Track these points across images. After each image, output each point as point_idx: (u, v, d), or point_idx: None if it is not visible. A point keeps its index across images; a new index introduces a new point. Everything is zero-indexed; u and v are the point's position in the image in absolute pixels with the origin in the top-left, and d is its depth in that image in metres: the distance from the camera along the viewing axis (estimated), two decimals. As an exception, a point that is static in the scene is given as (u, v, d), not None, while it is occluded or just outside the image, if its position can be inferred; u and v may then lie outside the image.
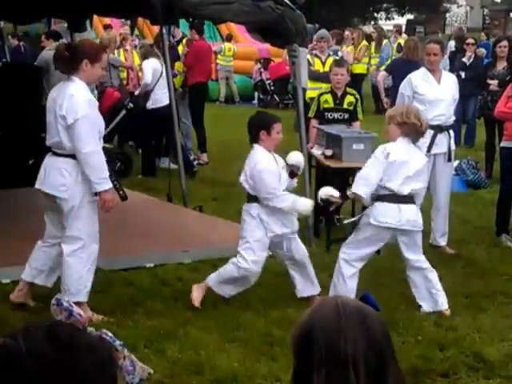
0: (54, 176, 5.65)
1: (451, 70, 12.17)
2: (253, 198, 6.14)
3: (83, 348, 1.49)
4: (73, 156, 5.62)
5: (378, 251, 6.60)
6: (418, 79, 7.74)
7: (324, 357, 1.73)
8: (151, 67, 11.20)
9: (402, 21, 32.40)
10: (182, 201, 9.17)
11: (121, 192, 5.87)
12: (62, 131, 5.59)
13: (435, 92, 7.63)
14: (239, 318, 5.87)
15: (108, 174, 5.66)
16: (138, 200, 6.58)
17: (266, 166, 6.01)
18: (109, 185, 5.65)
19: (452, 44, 18.34)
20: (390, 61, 18.49)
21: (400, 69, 10.15)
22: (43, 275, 5.93)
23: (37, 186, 5.79)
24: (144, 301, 6.21)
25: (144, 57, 11.71)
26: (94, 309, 5.90)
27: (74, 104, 5.54)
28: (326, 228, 7.93)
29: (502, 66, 11.35)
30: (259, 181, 6.01)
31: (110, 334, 1.59)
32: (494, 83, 11.19)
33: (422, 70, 7.85)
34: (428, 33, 23.43)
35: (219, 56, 19.95)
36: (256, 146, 6.13)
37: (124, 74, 12.40)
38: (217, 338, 5.56)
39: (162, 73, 10.23)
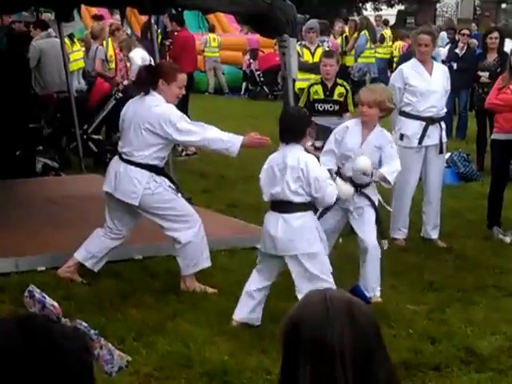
0: (127, 184, 6.08)
1: (443, 62, 12.14)
2: (303, 206, 5.47)
3: (57, 339, 1.47)
4: (145, 166, 6.05)
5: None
6: (409, 70, 7.67)
7: (310, 349, 1.73)
8: (140, 56, 11.11)
9: (391, 11, 32.42)
10: (171, 192, 9.09)
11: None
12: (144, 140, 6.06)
13: (426, 84, 7.57)
14: (229, 311, 5.81)
15: None
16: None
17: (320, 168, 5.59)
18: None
19: (444, 35, 18.34)
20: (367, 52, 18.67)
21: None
22: (94, 260, 6.28)
23: (106, 188, 6.18)
24: (133, 293, 6.16)
25: (128, 48, 11.62)
26: (82, 301, 5.85)
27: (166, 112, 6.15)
28: (317, 220, 7.87)
29: (492, 57, 11.33)
30: (322, 183, 5.46)
31: (84, 324, 1.56)
32: (484, 75, 11.16)
33: (413, 61, 7.77)
34: (419, 24, 23.40)
35: (206, 48, 19.89)
36: (298, 146, 5.52)
37: (112, 65, 12.30)
38: (207, 331, 5.51)
39: (150, 62, 10.17)
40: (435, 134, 7.58)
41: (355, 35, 18.88)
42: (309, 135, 8.18)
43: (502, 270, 7.03)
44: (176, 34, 12.26)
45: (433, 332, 5.62)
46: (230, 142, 6.05)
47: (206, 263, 6.30)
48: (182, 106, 12.23)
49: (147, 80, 6.16)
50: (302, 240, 5.41)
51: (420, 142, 7.52)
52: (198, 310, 5.85)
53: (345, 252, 7.37)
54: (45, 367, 1.43)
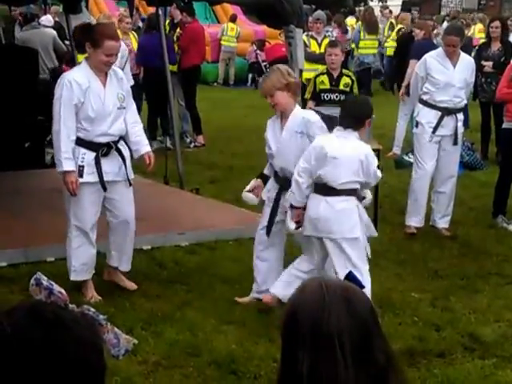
0: None
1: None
2: (348, 191, 5.42)
3: (68, 325, 1.49)
4: None
5: None
6: (434, 62, 7.66)
7: (309, 333, 1.76)
8: None
9: (396, 2, 32.24)
10: (178, 183, 9.17)
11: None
12: None
13: (448, 77, 7.56)
14: (236, 301, 5.89)
15: (66, 155, 5.68)
16: (134, 183, 6.59)
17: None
18: (64, 167, 5.69)
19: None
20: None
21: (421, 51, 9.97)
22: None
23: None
24: (141, 283, 6.23)
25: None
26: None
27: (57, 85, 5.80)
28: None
29: (496, 47, 11.31)
30: (378, 173, 5.53)
31: (92, 310, 1.59)
32: (488, 64, 11.15)
33: (440, 51, 7.77)
34: (423, 14, 23.31)
35: (223, 37, 19.89)
36: (355, 134, 5.42)
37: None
38: (214, 320, 5.58)
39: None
40: (450, 125, 7.59)
41: (355, 26, 18.93)
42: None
43: (505, 257, 7.08)
44: (186, 25, 12.25)
45: (437, 319, 5.68)
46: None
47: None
48: (190, 97, 12.30)
49: (79, 41, 6.01)
50: (344, 223, 5.35)
51: (434, 131, 7.55)
52: (206, 300, 5.92)
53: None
54: (57, 354, 1.46)
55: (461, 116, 7.76)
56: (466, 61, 7.85)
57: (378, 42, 18.77)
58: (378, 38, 18.85)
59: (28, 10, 12.96)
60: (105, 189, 5.78)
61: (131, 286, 6.10)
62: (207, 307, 5.79)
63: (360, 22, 19.03)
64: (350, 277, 1.90)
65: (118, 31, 12.43)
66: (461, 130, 7.74)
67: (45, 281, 1.56)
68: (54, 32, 11.77)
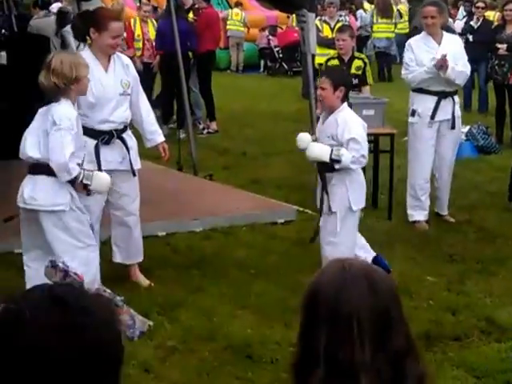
0: None
1: (460, 34, 12.01)
2: None
3: (87, 307, 1.48)
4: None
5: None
6: (417, 43, 7.45)
7: (327, 313, 1.76)
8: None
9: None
10: (192, 169, 9.18)
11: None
12: None
13: (433, 56, 7.26)
14: (252, 285, 5.90)
15: None
16: (148, 169, 6.63)
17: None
18: None
19: (462, 9, 18.15)
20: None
21: None
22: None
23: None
24: (156, 269, 6.25)
25: None
26: (107, 277, 5.94)
27: None
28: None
29: (510, 29, 11.24)
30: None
31: (108, 291, 1.58)
32: (502, 47, 11.07)
33: (422, 34, 7.52)
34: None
35: (228, 22, 19.79)
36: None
37: (140, 44, 12.34)
38: (229, 305, 5.59)
39: None
40: (448, 109, 7.37)
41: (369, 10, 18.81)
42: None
43: (521, 241, 7.05)
44: (202, 10, 12.20)
45: (453, 303, 5.67)
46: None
47: None
48: (204, 82, 12.26)
49: (80, 28, 5.83)
50: None
51: (432, 117, 7.33)
52: (221, 285, 5.93)
53: (366, 226, 7.43)
54: (76, 336, 1.45)
55: (457, 98, 7.53)
56: (451, 39, 7.59)
57: (393, 26, 18.48)
58: (394, 22, 18.57)
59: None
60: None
61: (145, 282, 5.99)
62: (222, 292, 5.80)
63: (373, 6, 18.86)
64: (377, 260, 1.90)
65: (137, 18, 12.52)
66: (458, 113, 7.49)
67: (60, 263, 1.55)
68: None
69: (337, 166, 5.63)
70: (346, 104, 5.77)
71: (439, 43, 7.39)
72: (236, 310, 5.51)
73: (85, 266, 4.95)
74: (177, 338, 5.07)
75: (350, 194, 5.71)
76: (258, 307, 5.57)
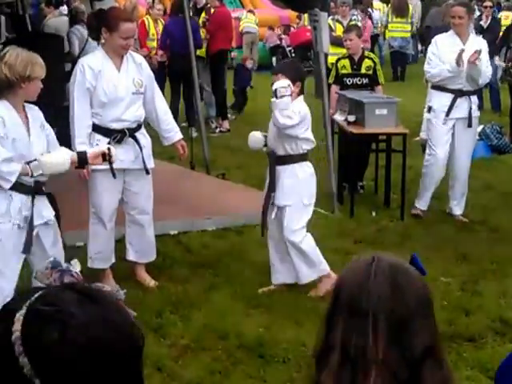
0: None
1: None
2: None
3: (113, 301, 1.49)
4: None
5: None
6: (443, 41, 7.53)
7: (346, 306, 1.77)
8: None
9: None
10: (204, 168, 9.18)
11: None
12: None
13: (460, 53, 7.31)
14: (264, 284, 5.89)
15: (79, 140, 5.64)
16: (161, 168, 6.63)
17: None
18: None
19: (476, 9, 18.07)
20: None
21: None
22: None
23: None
24: (169, 267, 6.26)
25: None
26: (120, 276, 5.95)
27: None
28: (350, 194, 7.91)
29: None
30: None
31: (107, 286, 1.57)
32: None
33: (450, 32, 7.59)
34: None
35: (243, 20, 19.76)
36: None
37: (154, 43, 12.35)
38: (242, 304, 5.59)
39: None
40: (464, 107, 7.43)
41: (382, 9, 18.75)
42: (341, 110, 8.23)
43: (536, 241, 7.01)
44: (214, 9, 12.20)
45: (467, 304, 5.64)
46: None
47: None
48: (217, 82, 12.25)
49: (94, 27, 5.85)
50: None
51: (447, 114, 7.41)
52: (233, 284, 5.93)
53: (379, 225, 7.42)
54: (115, 331, 1.45)
55: (475, 98, 7.56)
56: (476, 39, 7.70)
57: (409, 25, 18.34)
58: (411, 22, 18.43)
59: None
60: (114, 176, 5.57)
61: (150, 282, 5.96)
62: (235, 291, 5.79)
63: (389, 5, 18.75)
64: (413, 260, 1.86)
65: (149, 18, 12.53)
66: (475, 113, 7.52)
67: (63, 265, 1.54)
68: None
69: (272, 100, 5.59)
70: (301, 97, 5.74)
71: (464, 43, 7.44)
72: (248, 309, 5.51)
73: None
74: (190, 337, 5.07)
75: (301, 189, 5.71)
76: (270, 306, 5.57)
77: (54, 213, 4.96)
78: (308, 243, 5.78)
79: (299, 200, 5.71)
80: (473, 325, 5.30)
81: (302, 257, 5.74)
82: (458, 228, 7.38)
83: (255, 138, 5.97)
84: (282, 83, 5.55)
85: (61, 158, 4.86)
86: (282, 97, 5.52)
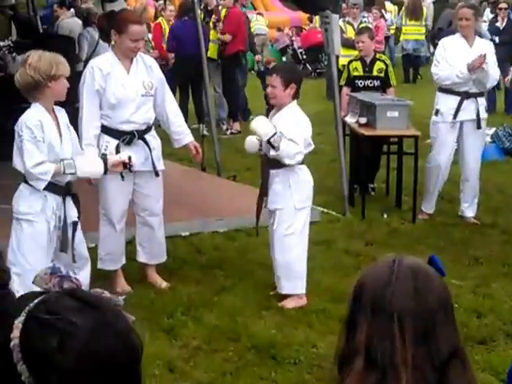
0: None
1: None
2: None
3: (113, 307, 1.50)
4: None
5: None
6: (450, 44, 7.51)
7: (371, 306, 1.76)
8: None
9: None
10: (215, 170, 9.19)
11: None
12: None
13: (465, 59, 7.32)
14: (275, 286, 5.89)
15: (87, 142, 5.59)
16: (172, 170, 6.65)
17: None
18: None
19: (488, 10, 18.00)
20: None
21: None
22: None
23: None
24: (180, 269, 6.27)
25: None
26: (131, 277, 5.97)
27: None
28: (361, 196, 7.90)
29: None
30: None
31: (106, 292, 1.58)
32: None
33: (457, 35, 7.58)
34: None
35: (253, 22, 19.78)
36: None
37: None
38: (253, 306, 5.59)
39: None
40: (471, 109, 7.40)
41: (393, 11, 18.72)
42: (352, 112, 8.23)
43: (547, 244, 6.99)
44: (228, 10, 12.13)
45: (478, 306, 5.63)
46: None
47: None
48: (230, 83, 12.24)
49: (104, 29, 5.87)
50: None
51: (455, 117, 7.38)
52: (245, 285, 5.93)
53: (390, 227, 7.41)
54: (116, 337, 1.47)
55: (482, 100, 7.53)
56: (483, 44, 7.66)
57: (424, 27, 18.26)
58: (425, 24, 18.36)
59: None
60: (122, 178, 5.57)
61: (162, 284, 5.96)
62: (246, 293, 5.80)
63: (403, 8, 18.70)
64: (432, 261, 1.85)
65: (163, 20, 12.55)
66: (483, 114, 7.49)
67: (57, 269, 1.55)
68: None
69: (271, 153, 5.54)
70: (295, 102, 5.65)
71: (471, 46, 7.44)
72: (260, 311, 5.51)
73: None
74: (201, 338, 5.08)
75: (293, 193, 5.60)
76: (281, 308, 5.57)
77: (77, 213, 5.08)
78: (296, 255, 5.62)
79: (291, 204, 5.59)
80: (484, 327, 5.29)
81: (286, 266, 5.63)
82: (470, 231, 7.36)
83: (251, 142, 5.85)
84: (263, 129, 5.50)
85: (98, 168, 5.10)
86: (278, 146, 5.43)
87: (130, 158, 5.22)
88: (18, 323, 1.49)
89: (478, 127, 7.47)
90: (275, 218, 5.66)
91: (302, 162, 5.68)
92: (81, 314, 1.46)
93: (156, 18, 13.91)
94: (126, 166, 5.21)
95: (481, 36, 8.23)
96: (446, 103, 7.45)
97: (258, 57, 14.40)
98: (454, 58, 7.36)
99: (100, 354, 1.45)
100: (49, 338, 1.44)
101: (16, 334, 1.48)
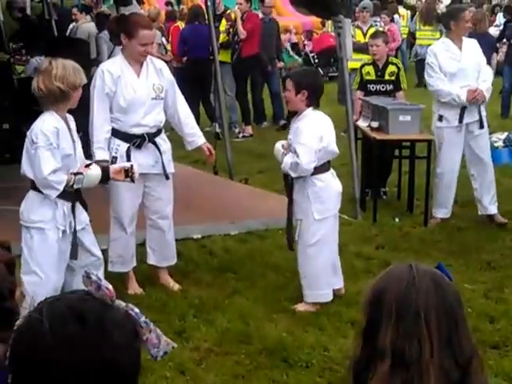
0: None
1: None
2: None
3: (108, 324, 1.50)
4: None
5: None
6: (440, 51, 7.45)
7: (395, 309, 1.79)
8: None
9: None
10: (227, 174, 9.20)
11: None
12: None
13: (457, 63, 7.34)
14: (287, 289, 5.89)
15: (98, 145, 5.63)
16: (184, 173, 6.67)
17: None
18: (96, 157, 5.60)
19: (500, 16, 17.95)
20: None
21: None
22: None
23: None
24: (192, 271, 6.28)
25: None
26: (144, 279, 5.98)
27: None
28: (373, 200, 7.89)
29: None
30: None
31: (136, 310, 1.59)
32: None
33: (444, 39, 7.61)
34: (474, 3, 23.01)
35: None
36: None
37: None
38: (265, 308, 5.59)
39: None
40: (474, 110, 7.39)
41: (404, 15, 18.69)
42: (364, 116, 8.23)
43: (561, 249, 6.95)
44: (244, 14, 12.15)
45: (491, 311, 5.60)
46: None
47: None
48: (241, 87, 12.25)
49: (114, 32, 5.85)
50: None
51: (460, 121, 7.36)
52: (256, 288, 5.93)
53: (402, 231, 7.40)
54: (94, 352, 1.47)
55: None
56: (469, 42, 7.58)
57: (438, 32, 18.19)
58: (440, 29, 18.28)
59: (79, 1, 13.07)
60: (132, 181, 5.46)
61: (174, 286, 5.96)
62: (257, 295, 5.80)
63: (417, 13, 18.68)
64: (439, 267, 1.91)
65: (182, 23, 12.58)
66: (484, 113, 7.49)
67: (93, 275, 1.57)
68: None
69: (294, 175, 5.52)
70: (310, 109, 5.54)
71: (460, 48, 7.43)
72: (271, 314, 5.51)
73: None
74: (212, 341, 5.08)
75: (312, 204, 5.53)
76: (292, 311, 5.57)
77: (88, 217, 5.08)
78: (318, 265, 5.57)
79: (310, 215, 5.54)
80: (497, 332, 5.27)
81: (308, 276, 5.62)
82: (482, 235, 7.33)
83: (277, 149, 5.75)
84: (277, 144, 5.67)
85: (96, 177, 5.02)
86: (292, 168, 5.45)
87: (131, 166, 5.23)
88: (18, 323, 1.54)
89: (481, 126, 7.48)
90: (299, 228, 5.64)
91: (327, 170, 5.64)
92: (61, 323, 1.48)
93: (174, 20, 13.96)
94: (128, 174, 5.21)
95: (485, 37, 8.16)
96: (449, 109, 7.42)
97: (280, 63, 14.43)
98: (446, 64, 7.35)
99: (62, 366, 1.46)
100: (21, 337, 1.49)
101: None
